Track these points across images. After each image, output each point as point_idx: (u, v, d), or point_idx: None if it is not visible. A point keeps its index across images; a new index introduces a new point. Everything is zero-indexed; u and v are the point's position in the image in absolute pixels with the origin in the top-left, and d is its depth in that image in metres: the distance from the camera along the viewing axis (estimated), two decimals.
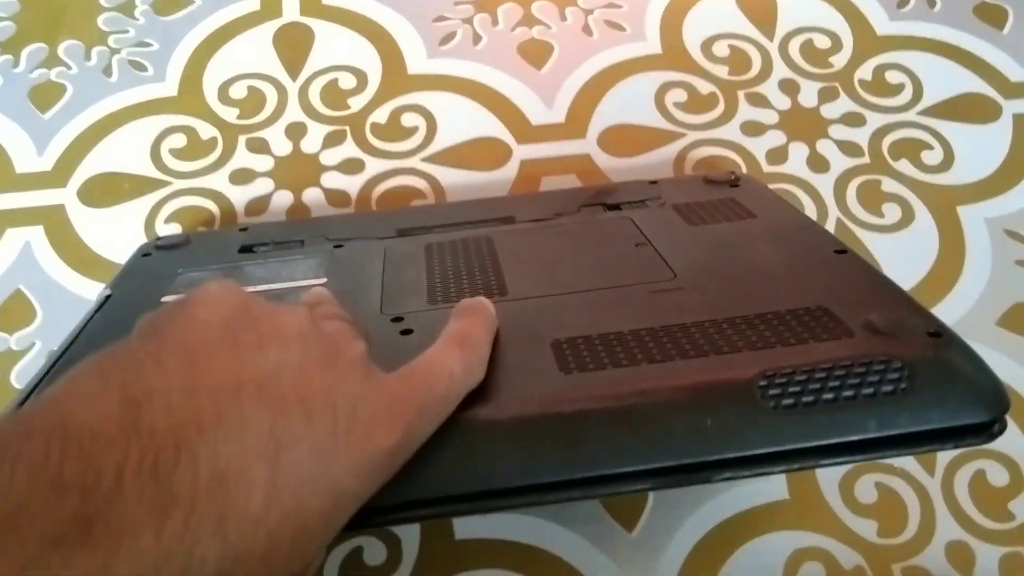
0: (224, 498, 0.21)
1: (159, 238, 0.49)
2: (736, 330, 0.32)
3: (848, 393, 0.29)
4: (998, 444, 0.44)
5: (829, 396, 0.29)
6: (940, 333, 0.31)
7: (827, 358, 0.30)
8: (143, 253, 0.47)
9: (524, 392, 0.30)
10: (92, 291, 0.52)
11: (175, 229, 0.54)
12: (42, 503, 0.19)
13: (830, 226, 0.55)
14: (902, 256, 0.53)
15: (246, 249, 0.47)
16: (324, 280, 0.42)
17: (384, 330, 0.36)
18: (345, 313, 0.33)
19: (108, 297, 0.42)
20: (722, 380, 0.30)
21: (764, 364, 0.30)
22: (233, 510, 0.21)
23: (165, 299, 0.41)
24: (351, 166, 0.58)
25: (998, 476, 0.43)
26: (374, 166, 0.58)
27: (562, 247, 0.43)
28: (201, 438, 0.22)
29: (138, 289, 0.43)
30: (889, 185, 0.57)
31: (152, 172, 0.58)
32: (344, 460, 0.24)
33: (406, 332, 0.36)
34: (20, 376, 0.48)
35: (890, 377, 0.30)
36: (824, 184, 0.57)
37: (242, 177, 0.58)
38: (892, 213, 0.56)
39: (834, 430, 0.29)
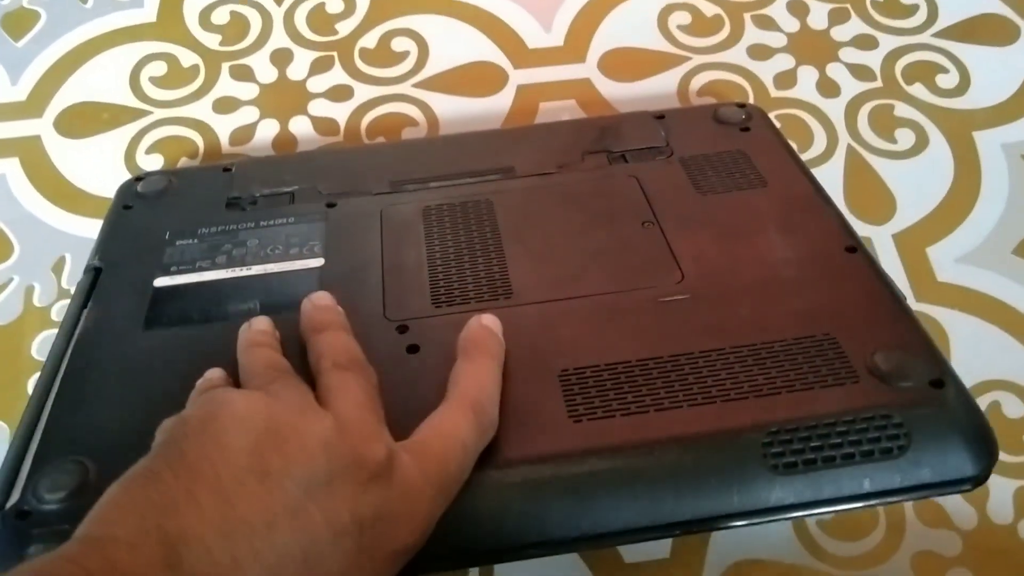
0: None
1: (139, 179, 0.47)
2: (743, 366, 0.33)
3: (848, 451, 0.31)
4: (1014, 375, 0.43)
5: (829, 454, 0.31)
6: (942, 382, 0.32)
7: (830, 411, 0.31)
8: (124, 204, 0.45)
9: (534, 448, 0.31)
10: (71, 225, 0.50)
11: (157, 161, 0.52)
12: None
13: (840, 153, 0.53)
14: (916, 183, 0.52)
15: (233, 203, 0.45)
16: (321, 262, 0.40)
17: (390, 343, 0.35)
18: (355, 347, 0.33)
19: (98, 271, 0.41)
20: (728, 438, 0.31)
21: (769, 417, 0.31)
22: None
23: (159, 283, 0.40)
24: (339, 93, 0.56)
25: (1013, 408, 0.42)
26: (363, 92, 0.56)
27: (567, 222, 0.42)
28: None
29: (126, 261, 0.41)
30: (902, 110, 0.55)
31: (132, 101, 0.55)
32: (368, 567, 0.26)
33: (413, 349, 0.35)
34: None
35: (889, 434, 0.31)
36: (834, 109, 0.55)
37: (226, 106, 0.55)
38: (905, 139, 0.54)
39: (830, 488, 0.30)
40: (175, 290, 0.39)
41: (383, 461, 0.27)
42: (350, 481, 0.26)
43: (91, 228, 0.48)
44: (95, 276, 0.41)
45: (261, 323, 0.35)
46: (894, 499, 0.31)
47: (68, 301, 0.44)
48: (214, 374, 0.33)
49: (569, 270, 0.39)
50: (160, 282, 0.40)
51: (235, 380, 0.33)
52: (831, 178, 0.52)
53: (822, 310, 0.36)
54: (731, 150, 0.45)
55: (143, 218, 0.44)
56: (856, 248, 0.39)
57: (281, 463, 0.25)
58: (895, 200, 0.51)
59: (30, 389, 0.42)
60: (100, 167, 0.52)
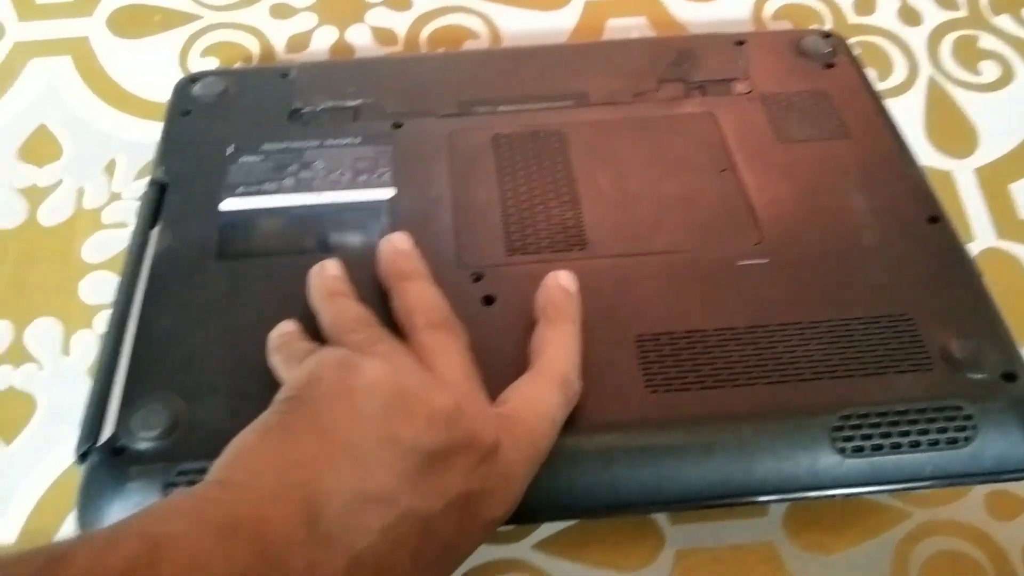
0: None
1: (195, 79, 0.45)
2: (819, 344, 0.33)
3: (915, 439, 0.31)
4: None
5: (896, 441, 0.31)
6: (1015, 375, 0.32)
7: (902, 399, 0.32)
8: (183, 110, 0.44)
9: (611, 417, 0.32)
10: (122, 128, 0.49)
11: (211, 64, 0.50)
12: None
13: (921, 84, 0.51)
14: (1000, 117, 0.50)
15: (295, 115, 0.43)
16: (391, 193, 0.39)
17: (465, 294, 0.35)
18: (445, 302, 0.33)
19: (163, 186, 0.40)
20: (800, 421, 0.32)
21: (842, 401, 0.32)
22: None
23: (226, 207, 0.39)
24: (399, 2, 0.53)
25: None
26: (424, 2, 0.53)
27: (642, 163, 0.40)
28: (368, 548, 0.24)
29: (190, 176, 0.40)
30: (987, 41, 0.53)
31: (185, 4, 0.53)
32: (468, 536, 0.27)
33: (489, 301, 0.35)
34: (48, 214, 0.46)
35: (957, 425, 0.31)
36: (916, 38, 0.52)
37: (282, 12, 0.52)
38: (990, 71, 0.52)
39: (892, 471, 0.31)
40: (244, 216, 0.38)
41: (493, 443, 0.27)
42: (466, 457, 0.27)
43: (142, 131, 0.47)
44: (161, 191, 0.40)
45: (334, 268, 0.35)
46: (953, 483, 0.32)
47: (119, 203, 0.44)
48: (288, 327, 0.33)
49: (645, 221, 0.38)
50: (227, 205, 0.39)
51: (310, 329, 0.33)
52: (911, 109, 0.50)
53: (900, 286, 0.35)
54: (813, 90, 0.44)
55: (204, 127, 0.43)
56: (939, 218, 0.38)
57: (411, 433, 0.26)
58: (978, 134, 0.49)
59: (81, 291, 0.43)
60: (152, 70, 0.50)
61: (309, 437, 0.25)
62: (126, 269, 0.37)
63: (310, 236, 0.38)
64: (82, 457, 0.31)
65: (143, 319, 0.35)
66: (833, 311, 0.34)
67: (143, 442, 0.31)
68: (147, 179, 0.41)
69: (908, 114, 0.49)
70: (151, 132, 0.44)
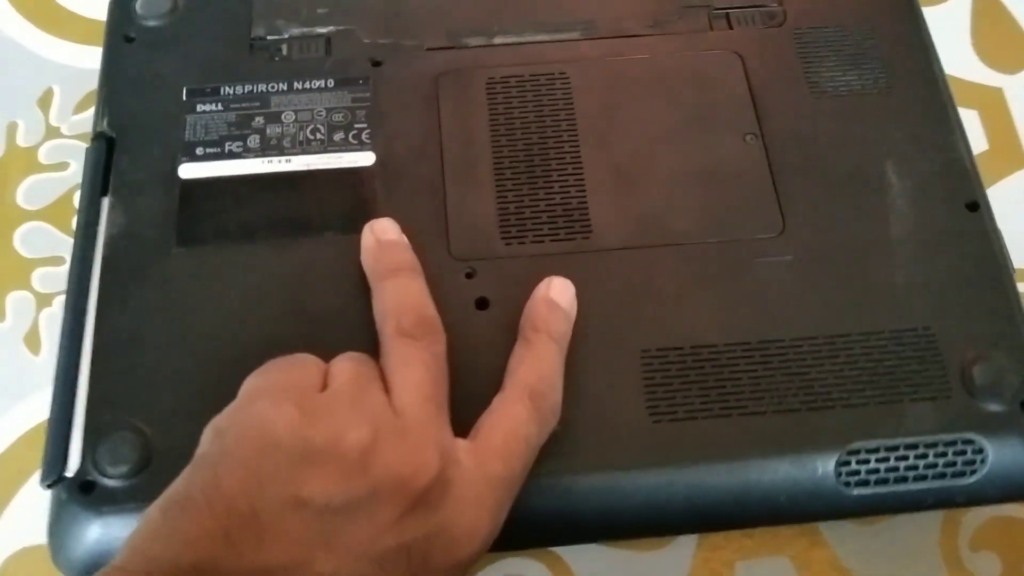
0: None
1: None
2: (834, 364, 0.31)
3: (921, 472, 0.30)
4: None
5: (902, 475, 0.30)
6: None
7: (915, 431, 0.30)
8: (125, 35, 0.37)
9: (608, 452, 0.30)
10: (58, 52, 0.43)
11: None
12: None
13: None
14: None
15: (257, 44, 0.37)
16: (372, 159, 0.35)
17: (456, 294, 0.32)
18: (426, 302, 0.30)
19: (111, 142, 0.35)
20: (807, 456, 0.30)
21: (853, 434, 0.30)
22: None
23: (186, 174, 0.34)
24: None
25: None
26: None
27: (656, 119, 0.36)
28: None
29: (141, 128, 0.35)
30: None
31: None
32: None
33: (482, 304, 0.32)
34: None
35: (967, 459, 0.30)
36: None
37: None
38: None
39: (893, 504, 0.31)
40: (206, 187, 0.34)
41: (433, 479, 0.25)
42: (392, 504, 0.24)
43: (81, 56, 0.41)
44: (108, 148, 0.35)
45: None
46: (955, 507, 0.32)
47: (58, 141, 0.39)
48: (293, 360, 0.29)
49: (657, 200, 0.34)
50: (187, 171, 0.34)
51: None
52: (956, 19, 0.45)
53: (927, 291, 0.32)
54: (857, 26, 0.38)
55: (151, 59, 0.37)
56: (979, 205, 0.34)
57: (320, 489, 0.24)
58: None
59: (16, 243, 0.39)
60: None
61: (207, 508, 0.23)
62: (76, 253, 0.33)
63: (281, 214, 0.34)
64: (49, 485, 0.30)
65: (100, 322, 0.32)
66: (853, 323, 0.32)
67: (113, 479, 0.29)
68: (89, 112, 0.36)
69: (953, 24, 0.44)
70: (91, 56, 0.38)
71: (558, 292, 0.31)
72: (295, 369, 0.28)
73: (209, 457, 0.25)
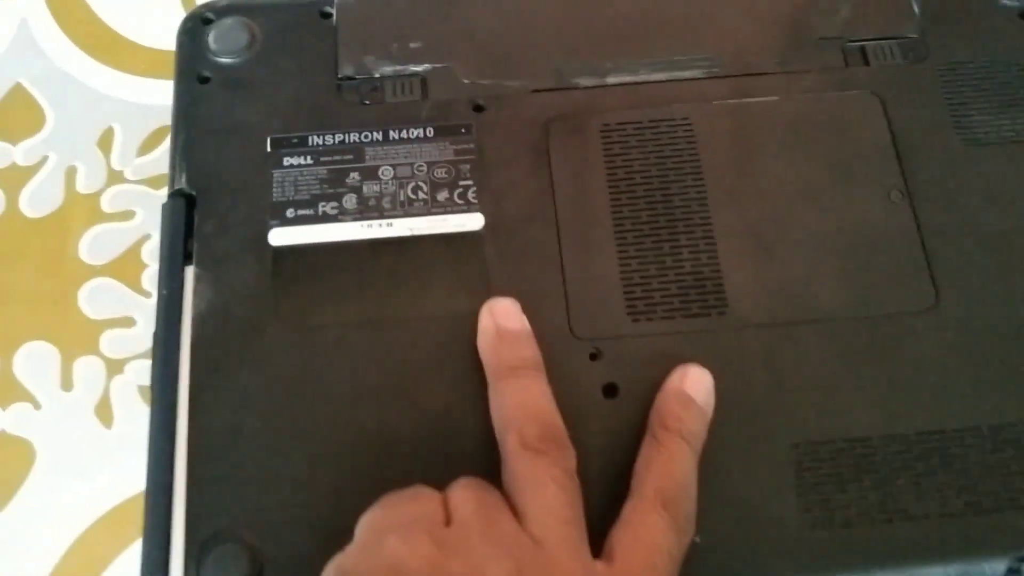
0: None
1: (205, 19, 0.35)
2: (1000, 458, 0.28)
3: None
4: None
5: None
6: None
7: None
8: (198, 77, 0.34)
9: (759, 557, 0.27)
10: (117, 86, 0.39)
11: None
12: None
13: None
14: None
15: (348, 84, 0.34)
16: (480, 222, 0.31)
17: (581, 379, 0.29)
18: (552, 409, 0.27)
19: (190, 200, 0.32)
20: (975, 561, 0.27)
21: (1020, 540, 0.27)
22: None
23: (277, 240, 0.31)
24: None
25: None
26: None
27: (792, 173, 0.32)
28: None
29: (223, 185, 0.32)
30: None
31: None
32: None
33: (610, 391, 0.29)
34: (32, 202, 0.37)
35: None
36: None
37: None
38: None
39: None
40: (301, 255, 0.31)
41: None
42: None
43: (143, 90, 0.37)
44: (188, 206, 0.32)
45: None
46: None
47: (121, 187, 0.36)
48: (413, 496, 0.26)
49: (796, 269, 0.31)
50: (278, 237, 0.31)
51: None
52: None
53: None
54: (1009, 61, 0.34)
55: (229, 102, 0.34)
56: None
57: None
58: None
59: (81, 301, 0.36)
60: (148, 8, 0.39)
61: None
62: (160, 333, 0.30)
63: (386, 288, 0.31)
64: None
65: (195, 415, 0.29)
66: (1019, 411, 0.29)
67: None
68: (155, 154, 0.32)
69: None
70: (153, 90, 0.35)
71: (693, 384, 0.28)
72: (415, 502, 0.25)
73: None
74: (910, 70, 0.34)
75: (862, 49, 0.34)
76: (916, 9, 0.35)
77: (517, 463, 0.26)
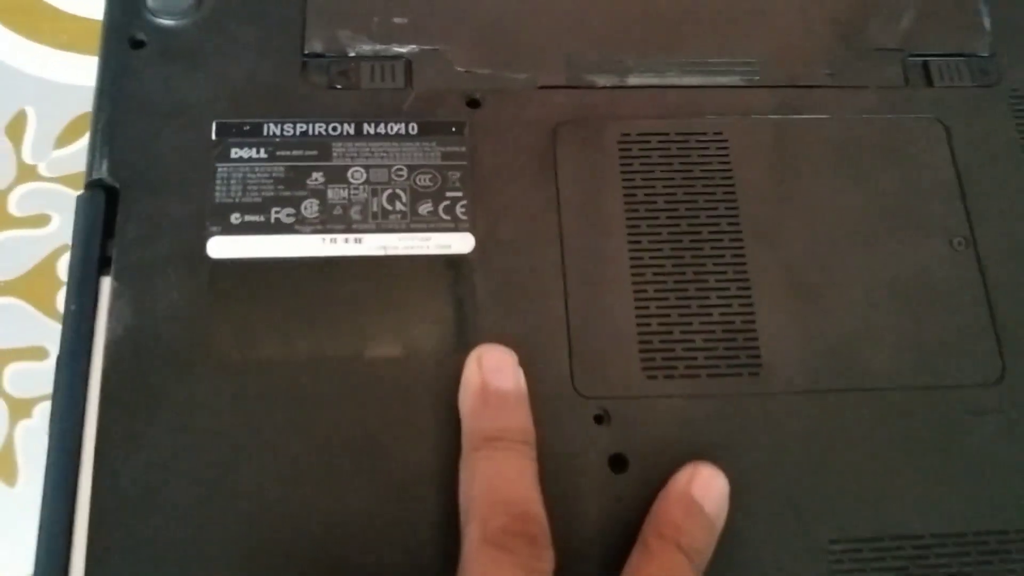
0: None
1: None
2: None
3: None
4: None
5: None
6: None
7: None
8: (130, 41, 0.27)
9: None
10: (28, 59, 0.32)
11: None
12: None
13: None
14: None
15: (315, 63, 0.28)
16: (470, 244, 0.26)
17: (584, 451, 0.24)
18: (530, 493, 0.22)
19: (111, 193, 0.26)
20: None
21: None
22: None
23: (216, 251, 0.25)
24: None
25: None
26: None
27: (841, 208, 0.27)
28: None
29: (152, 177, 0.26)
30: None
31: None
32: None
33: (619, 464, 0.24)
34: None
35: None
36: None
37: None
38: None
39: None
40: (246, 272, 0.25)
41: None
42: None
43: (67, 67, 0.31)
44: (109, 201, 0.26)
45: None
46: None
47: (33, 185, 0.30)
48: None
49: (843, 324, 0.26)
50: (218, 247, 0.25)
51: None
52: None
53: None
54: None
55: (166, 74, 0.27)
56: None
57: None
58: None
59: None
60: None
61: None
62: (64, 359, 0.24)
63: (350, 319, 0.25)
64: None
65: (100, 466, 0.23)
66: None
67: None
68: (77, 146, 0.27)
69: None
70: (78, 65, 0.28)
71: (703, 487, 0.23)
72: None
73: None
74: (979, 94, 0.29)
75: (924, 65, 0.30)
76: (987, 24, 0.30)
77: (474, 560, 0.21)
